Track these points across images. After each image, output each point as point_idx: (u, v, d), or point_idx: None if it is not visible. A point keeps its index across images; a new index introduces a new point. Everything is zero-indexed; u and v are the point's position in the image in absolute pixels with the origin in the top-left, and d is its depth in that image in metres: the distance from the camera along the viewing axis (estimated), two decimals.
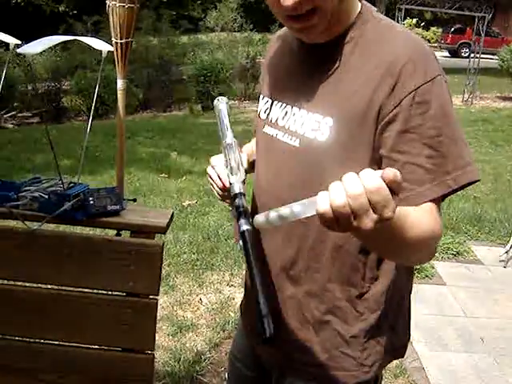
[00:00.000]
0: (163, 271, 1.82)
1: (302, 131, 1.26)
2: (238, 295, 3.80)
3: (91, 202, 1.76)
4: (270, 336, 0.82)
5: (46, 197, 1.77)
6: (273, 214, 0.88)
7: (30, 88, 11.48)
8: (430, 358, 3.27)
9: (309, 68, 1.29)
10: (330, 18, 1.19)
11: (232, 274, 4.17)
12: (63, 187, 1.82)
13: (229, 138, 1.22)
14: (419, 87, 1.12)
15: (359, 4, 1.26)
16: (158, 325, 1.88)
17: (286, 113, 1.32)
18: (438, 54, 27.93)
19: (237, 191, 1.07)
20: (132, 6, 2.27)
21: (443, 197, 1.16)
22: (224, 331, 3.41)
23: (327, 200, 0.84)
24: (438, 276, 4.36)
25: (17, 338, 1.91)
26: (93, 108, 2.47)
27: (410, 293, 1.43)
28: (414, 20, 27.63)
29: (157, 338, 1.91)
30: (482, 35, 14.13)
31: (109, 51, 2.29)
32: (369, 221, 0.84)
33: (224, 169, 1.26)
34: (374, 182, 0.81)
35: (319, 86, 1.24)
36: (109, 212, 1.80)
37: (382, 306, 1.30)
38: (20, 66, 11.38)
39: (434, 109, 1.12)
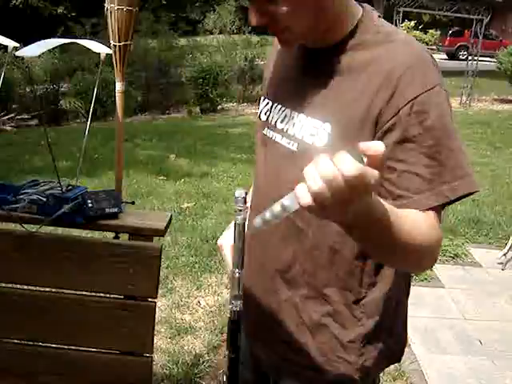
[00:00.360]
0: (161, 274, 1.82)
1: (300, 135, 1.26)
2: None
3: (90, 205, 1.76)
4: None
5: (45, 199, 1.77)
6: (267, 214, 0.89)
7: (28, 90, 11.47)
8: (428, 360, 3.27)
9: (308, 72, 1.29)
10: (309, 33, 1.21)
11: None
12: (62, 190, 1.82)
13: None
14: (417, 96, 1.12)
15: (359, 10, 1.25)
16: (156, 327, 1.88)
17: (285, 116, 1.32)
18: (436, 56, 27.90)
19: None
20: (130, 8, 2.27)
21: (442, 206, 1.15)
22: (222, 334, 3.40)
23: (305, 189, 0.82)
24: (437, 279, 4.36)
25: (15, 341, 1.91)
26: (91, 110, 2.47)
27: (408, 297, 1.42)
28: (412, 22, 27.63)
29: (155, 340, 1.91)
30: (480, 38, 14.18)
31: (107, 54, 2.29)
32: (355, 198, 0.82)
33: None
34: (348, 164, 0.79)
35: (318, 91, 1.25)
36: (107, 214, 1.80)
37: (379, 312, 1.30)
38: (18, 69, 11.38)
39: (432, 119, 1.12)
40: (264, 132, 1.39)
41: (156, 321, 1.87)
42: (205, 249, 4.61)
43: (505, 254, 4.67)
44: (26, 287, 1.91)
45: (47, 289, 1.88)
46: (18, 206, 1.77)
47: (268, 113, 1.39)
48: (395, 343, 1.39)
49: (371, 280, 1.28)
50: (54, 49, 10.89)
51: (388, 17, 17.82)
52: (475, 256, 4.86)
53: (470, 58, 15.38)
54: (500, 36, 26.78)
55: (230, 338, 1.30)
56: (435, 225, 1.13)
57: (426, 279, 4.26)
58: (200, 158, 7.70)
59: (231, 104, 13.92)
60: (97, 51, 2.27)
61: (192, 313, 3.66)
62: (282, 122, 1.33)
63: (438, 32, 30.97)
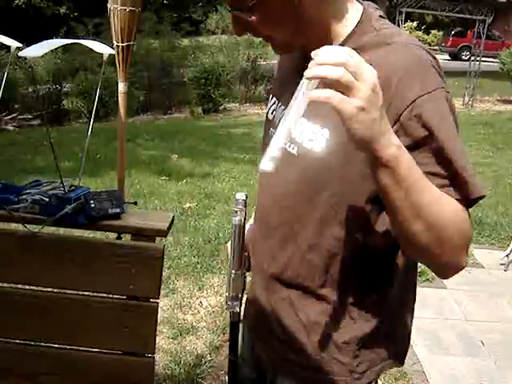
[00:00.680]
0: (163, 274, 1.82)
1: (300, 139, 1.24)
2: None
3: (92, 205, 1.76)
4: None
5: (47, 200, 1.77)
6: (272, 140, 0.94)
7: (30, 90, 11.49)
8: (430, 361, 3.27)
9: None
10: (294, 41, 1.21)
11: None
12: (64, 190, 1.82)
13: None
14: (416, 99, 1.09)
15: (359, 12, 1.22)
16: (158, 328, 1.88)
17: None
18: (439, 57, 27.85)
19: None
20: (133, 9, 2.27)
21: (466, 205, 1.11)
22: (224, 334, 3.40)
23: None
24: (439, 279, 4.35)
25: (17, 341, 1.91)
26: (94, 110, 2.47)
27: (414, 302, 1.40)
28: (415, 23, 27.66)
29: (157, 340, 1.92)
30: (483, 38, 14.18)
31: (110, 54, 2.29)
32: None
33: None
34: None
35: None
36: (110, 215, 1.80)
37: (378, 315, 1.29)
38: (21, 69, 11.40)
39: (433, 122, 1.09)
40: (270, 133, 1.39)
41: (158, 321, 1.87)
42: (207, 249, 4.61)
43: (507, 255, 4.66)
44: (27, 287, 1.91)
45: (49, 289, 1.88)
46: (20, 206, 1.77)
47: (274, 112, 1.39)
48: (396, 347, 1.37)
49: (371, 283, 1.26)
50: (56, 49, 10.89)
51: (391, 17, 17.83)
52: (477, 257, 4.85)
53: (472, 58, 15.37)
54: (503, 37, 26.75)
55: (230, 340, 1.31)
56: (464, 216, 1.11)
57: (428, 280, 4.25)
58: (202, 159, 7.70)
59: (233, 104, 13.93)
60: (100, 51, 2.27)
61: (194, 313, 3.66)
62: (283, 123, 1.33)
63: (441, 32, 30.98)
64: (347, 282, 1.26)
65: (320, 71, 0.93)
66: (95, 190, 1.84)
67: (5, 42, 2.19)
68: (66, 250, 1.81)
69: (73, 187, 1.85)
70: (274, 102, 1.40)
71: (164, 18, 15.79)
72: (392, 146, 0.98)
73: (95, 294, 1.85)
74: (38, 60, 11.80)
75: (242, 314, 1.46)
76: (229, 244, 1.48)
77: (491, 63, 18.52)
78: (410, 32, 27.19)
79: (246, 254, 1.44)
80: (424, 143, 1.10)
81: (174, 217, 1.92)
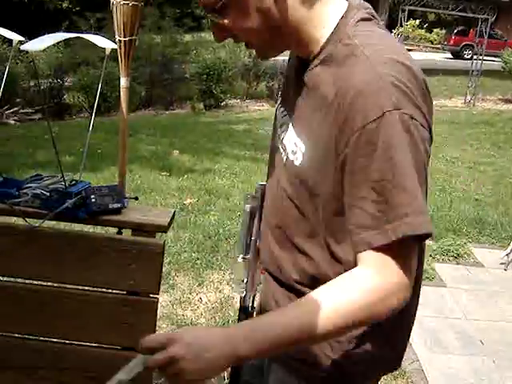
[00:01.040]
0: (163, 270, 1.82)
1: (289, 149, 1.24)
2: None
3: (93, 200, 1.76)
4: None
5: (48, 194, 1.77)
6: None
7: (32, 84, 11.47)
8: (429, 360, 3.27)
9: (296, 84, 1.25)
10: (271, 47, 1.20)
11: (232, 272, 4.17)
12: (65, 184, 1.82)
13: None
14: (366, 125, 1.02)
15: (339, 14, 1.15)
16: (157, 323, 1.88)
17: (283, 124, 1.32)
18: (441, 55, 27.94)
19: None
20: (136, 3, 2.26)
21: (400, 244, 1.03)
22: None
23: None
24: (439, 278, 4.35)
25: (16, 335, 1.92)
26: (95, 105, 2.47)
27: (416, 307, 1.37)
28: (417, 21, 27.57)
29: None
30: (485, 37, 14.15)
31: (112, 48, 2.29)
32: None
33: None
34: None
35: (302, 107, 1.22)
36: (110, 210, 1.80)
37: None
38: (22, 62, 11.37)
39: (379, 151, 1.02)
40: (277, 133, 1.38)
41: (157, 317, 1.87)
42: (207, 245, 4.61)
43: (507, 255, 4.66)
44: (28, 281, 1.91)
45: (49, 283, 1.88)
46: (21, 200, 1.77)
47: (279, 116, 1.38)
48: (393, 351, 1.36)
49: None
50: (58, 43, 10.88)
51: (393, 15, 17.82)
52: (477, 256, 4.85)
53: (474, 57, 15.35)
54: (505, 36, 26.70)
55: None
56: (379, 269, 1.05)
57: (427, 278, 4.25)
58: (203, 154, 7.69)
59: (235, 100, 13.88)
60: (102, 46, 2.26)
61: (194, 309, 3.66)
62: (280, 127, 1.33)
63: (443, 31, 30.91)
64: None
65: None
66: (96, 185, 1.84)
67: (7, 36, 2.19)
68: (67, 245, 1.81)
69: (73, 182, 1.85)
70: (280, 106, 1.40)
71: (166, 13, 15.73)
72: (240, 348, 1.03)
73: (95, 288, 1.86)
74: (39, 54, 11.78)
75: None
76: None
77: (493, 62, 18.49)
78: (412, 30, 27.17)
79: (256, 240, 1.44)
80: (364, 174, 1.04)
81: (174, 212, 1.92)
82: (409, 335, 1.40)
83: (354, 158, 1.05)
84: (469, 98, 14.05)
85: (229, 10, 1.11)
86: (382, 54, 1.08)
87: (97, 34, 2.95)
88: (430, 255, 4.63)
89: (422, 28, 31.05)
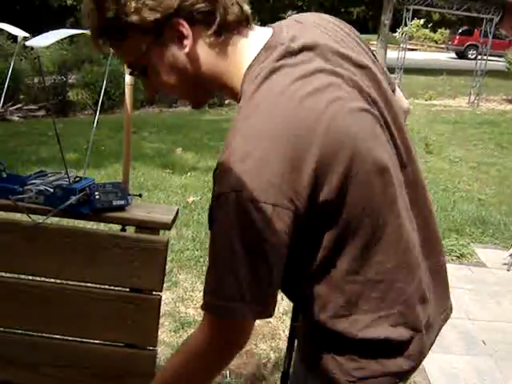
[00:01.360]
0: (166, 267, 1.82)
1: None
2: None
3: (97, 197, 1.76)
4: None
5: (52, 190, 1.77)
6: None
7: (36, 81, 11.47)
8: (431, 359, 3.26)
9: None
10: (194, 93, 1.20)
11: None
12: (69, 181, 1.82)
13: None
14: (212, 202, 1.06)
15: (248, 62, 1.11)
16: (160, 321, 1.88)
17: None
18: (445, 55, 27.91)
19: None
20: None
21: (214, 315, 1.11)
22: None
23: None
24: None
25: (19, 332, 1.92)
26: (100, 102, 2.46)
27: None
28: (422, 21, 27.57)
29: (159, 333, 1.91)
30: (490, 37, 14.12)
31: None
32: None
33: None
34: None
35: None
36: (114, 207, 1.80)
37: None
38: (26, 59, 11.37)
39: (212, 228, 1.06)
40: None
41: (160, 314, 1.87)
42: None
43: (510, 255, 4.65)
44: (30, 278, 1.91)
45: (52, 280, 1.88)
46: (24, 196, 1.77)
47: None
48: (406, 363, 1.29)
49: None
50: (62, 40, 10.89)
51: (398, 14, 17.80)
52: (480, 256, 4.84)
53: (479, 57, 15.32)
54: (510, 36, 26.65)
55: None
56: (201, 329, 1.13)
57: None
58: (206, 152, 7.69)
59: None
60: None
61: (196, 307, 3.66)
62: None
63: (448, 31, 30.89)
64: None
65: None
66: (100, 182, 1.84)
67: (12, 32, 2.19)
68: (70, 242, 1.81)
69: (77, 178, 1.85)
70: None
71: None
72: None
73: (98, 285, 1.86)
74: (43, 51, 11.79)
75: None
76: None
77: (497, 62, 18.46)
78: (416, 30, 27.18)
79: None
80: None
81: (178, 210, 1.92)
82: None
83: None
84: (473, 98, 14.02)
85: (148, 70, 1.14)
86: (251, 112, 1.05)
87: None
88: None
89: (427, 28, 31.13)
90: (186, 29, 1.06)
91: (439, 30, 32.80)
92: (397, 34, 19.12)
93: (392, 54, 16.77)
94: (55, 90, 11.38)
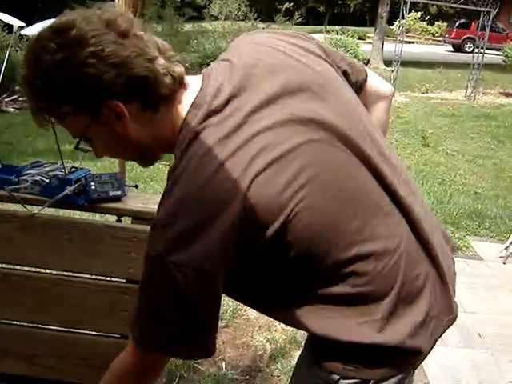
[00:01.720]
0: None
1: None
2: None
3: (92, 187, 1.75)
4: None
5: (48, 181, 1.76)
6: None
7: None
8: None
9: None
10: (140, 154, 1.22)
11: None
12: (65, 171, 1.81)
13: None
14: (144, 254, 1.09)
15: (183, 115, 1.13)
16: None
17: None
18: (442, 48, 27.89)
19: None
20: None
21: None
22: (221, 320, 3.39)
23: None
24: None
25: (15, 323, 1.91)
26: None
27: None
28: (419, 13, 27.54)
29: None
30: (487, 30, 14.09)
31: None
32: None
33: None
34: None
35: None
36: (110, 198, 1.79)
37: None
38: (22, 50, 11.33)
39: (142, 277, 1.13)
40: None
41: None
42: None
43: (506, 248, 4.66)
44: (26, 268, 1.90)
45: (48, 271, 1.87)
46: (20, 186, 1.76)
47: None
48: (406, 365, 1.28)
49: None
50: None
51: (395, 8, 17.78)
52: (477, 249, 4.85)
53: (476, 50, 15.31)
54: (507, 29, 26.65)
55: None
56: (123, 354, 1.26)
57: None
58: None
59: None
60: None
61: None
62: None
63: (445, 24, 30.85)
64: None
65: None
66: (96, 173, 1.83)
67: (7, 21, 2.18)
68: (66, 232, 1.80)
69: (73, 169, 1.84)
70: None
71: (167, 2, 15.69)
72: None
73: (94, 276, 1.85)
74: None
75: None
76: None
77: (495, 56, 18.46)
78: (413, 23, 27.17)
79: None
80: None
81: None
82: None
83: None
84: (470, 91, 14.01)
85: (92, 142, 1.20)
86: (180, 174, 1.10)
87: None
88: None
89: (424, 20, 31.08)
90: (121, 108, 1.08)
91: (436, 23, 32.75)
92: (394, 26, 19.09)
93: (389, 47, 16.72)
94: None
